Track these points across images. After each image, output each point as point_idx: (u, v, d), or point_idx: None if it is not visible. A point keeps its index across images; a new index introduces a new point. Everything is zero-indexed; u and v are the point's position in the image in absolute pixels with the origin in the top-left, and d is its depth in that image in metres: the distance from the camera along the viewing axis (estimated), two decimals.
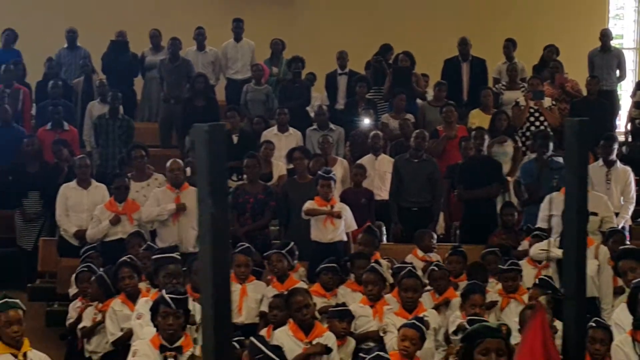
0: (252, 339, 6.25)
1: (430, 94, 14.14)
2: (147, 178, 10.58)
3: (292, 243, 8.79)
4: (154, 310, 6.16)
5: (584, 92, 13.76)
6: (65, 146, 11.70)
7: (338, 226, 9.92)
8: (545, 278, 7.67)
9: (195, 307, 6.16)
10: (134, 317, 7.11)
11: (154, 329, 6.20)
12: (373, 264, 8.12)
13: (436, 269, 8.25)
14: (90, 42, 14.62)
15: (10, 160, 11.79)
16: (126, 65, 14.35)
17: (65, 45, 14.58)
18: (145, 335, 6.46)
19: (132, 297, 7.50)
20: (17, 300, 6.00)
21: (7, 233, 11.52)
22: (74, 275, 8.64)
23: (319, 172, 10.16)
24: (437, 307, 7.82)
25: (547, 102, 12.74)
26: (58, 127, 12.29)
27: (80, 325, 7.84)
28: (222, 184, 1.89)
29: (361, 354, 6.55)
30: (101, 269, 8.22)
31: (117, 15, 15.76)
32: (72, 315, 8.18)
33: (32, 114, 13.50)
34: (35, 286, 10.51)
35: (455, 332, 7.24)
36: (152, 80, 14.39)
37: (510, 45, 14.47)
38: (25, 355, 5.84)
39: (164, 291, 6.28)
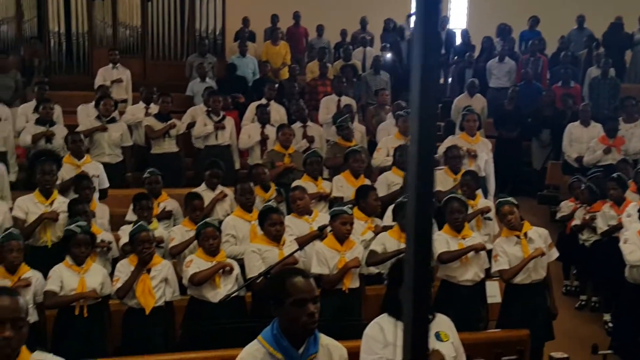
0: None
1: None
2: (634, 120, 10.21)
3: None
4: None
5: None
6: (570, 98, 11.65)
7: None
8: None
9: None
10: (625, 216, 7.06)
11: None
12: None
13: None
14: (594, 24, 14.41)
15: (531, 107, 11.93)
16: (621, 41, 14.01)
17: (575, 27, 14.54)
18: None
19: (618, 203, 7.40)
20: (510, 198, 5.97)
21: (526, 157, 11.75)
22: (568, 184, 8.79)
23: None
24: None
25: None
26: (566, 85, 12.29)
27: (573, 224, 7.98)
28: None
29: None
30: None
31: (616, 3, 15.04)
32: (564, 211, 8.35)
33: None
34: (543, 194, 10.68)
35: None
36: (638, 52, 14.00)
37: None
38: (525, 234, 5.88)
39: None
